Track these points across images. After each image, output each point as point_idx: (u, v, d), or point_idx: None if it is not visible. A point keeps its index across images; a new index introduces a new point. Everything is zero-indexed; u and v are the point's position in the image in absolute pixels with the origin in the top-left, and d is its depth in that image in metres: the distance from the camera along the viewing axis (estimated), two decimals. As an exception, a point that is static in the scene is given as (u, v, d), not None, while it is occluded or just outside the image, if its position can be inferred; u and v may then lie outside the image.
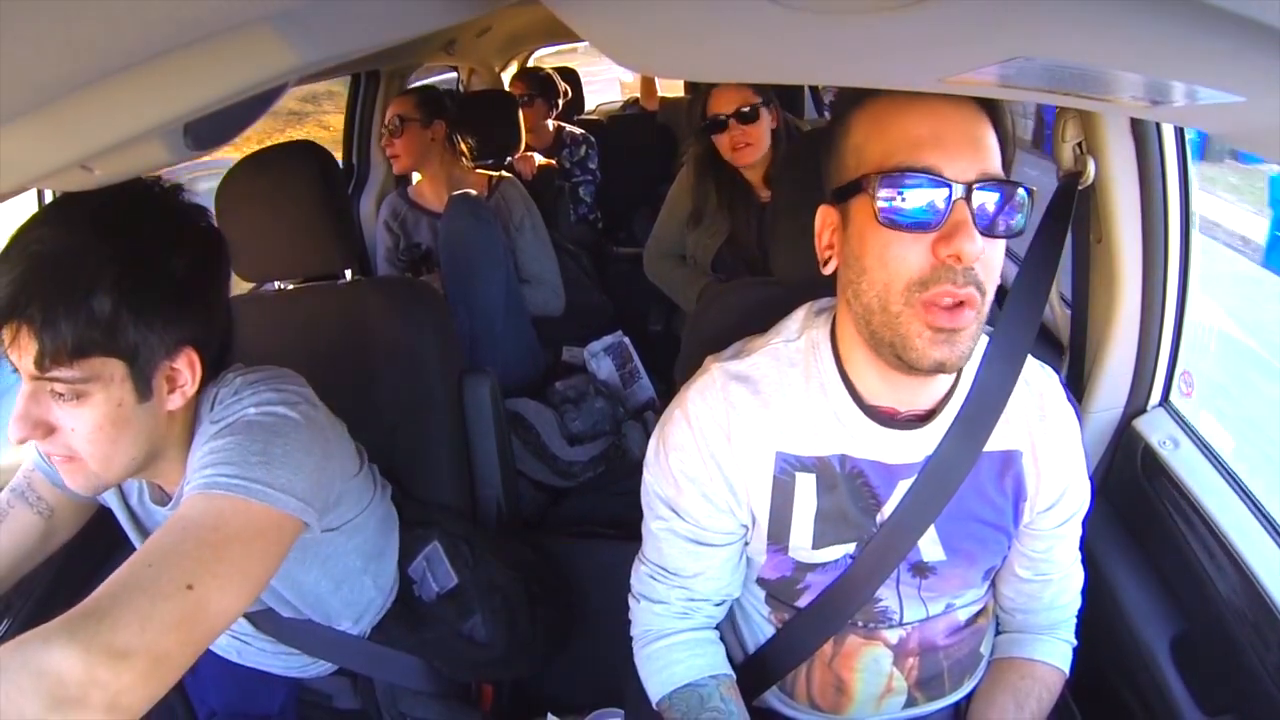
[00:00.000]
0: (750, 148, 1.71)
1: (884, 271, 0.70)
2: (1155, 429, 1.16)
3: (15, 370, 0.69)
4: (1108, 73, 0.46)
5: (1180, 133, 1.07)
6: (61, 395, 0.68)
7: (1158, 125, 1.04)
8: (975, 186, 0.67)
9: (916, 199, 0.67)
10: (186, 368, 0.74)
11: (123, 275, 0.66)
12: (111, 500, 0.90)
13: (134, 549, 0.88)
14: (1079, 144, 1.02)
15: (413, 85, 2.52)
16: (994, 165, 0.69)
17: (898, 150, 0.68)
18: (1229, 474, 1.07)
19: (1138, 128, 1.05)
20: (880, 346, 0.73)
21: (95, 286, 0.65)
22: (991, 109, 0.70)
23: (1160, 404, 1.19)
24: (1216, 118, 0.55)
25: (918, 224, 0.67)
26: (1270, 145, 0.59)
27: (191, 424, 0.80)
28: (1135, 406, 1.19)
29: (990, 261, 0.69)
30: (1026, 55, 0.43)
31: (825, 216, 0.78)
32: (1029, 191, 0.70)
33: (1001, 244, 0.71)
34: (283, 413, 0.77)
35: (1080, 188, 1.02)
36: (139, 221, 0.70)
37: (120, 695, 0.58)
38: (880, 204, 0.68)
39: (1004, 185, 0.68)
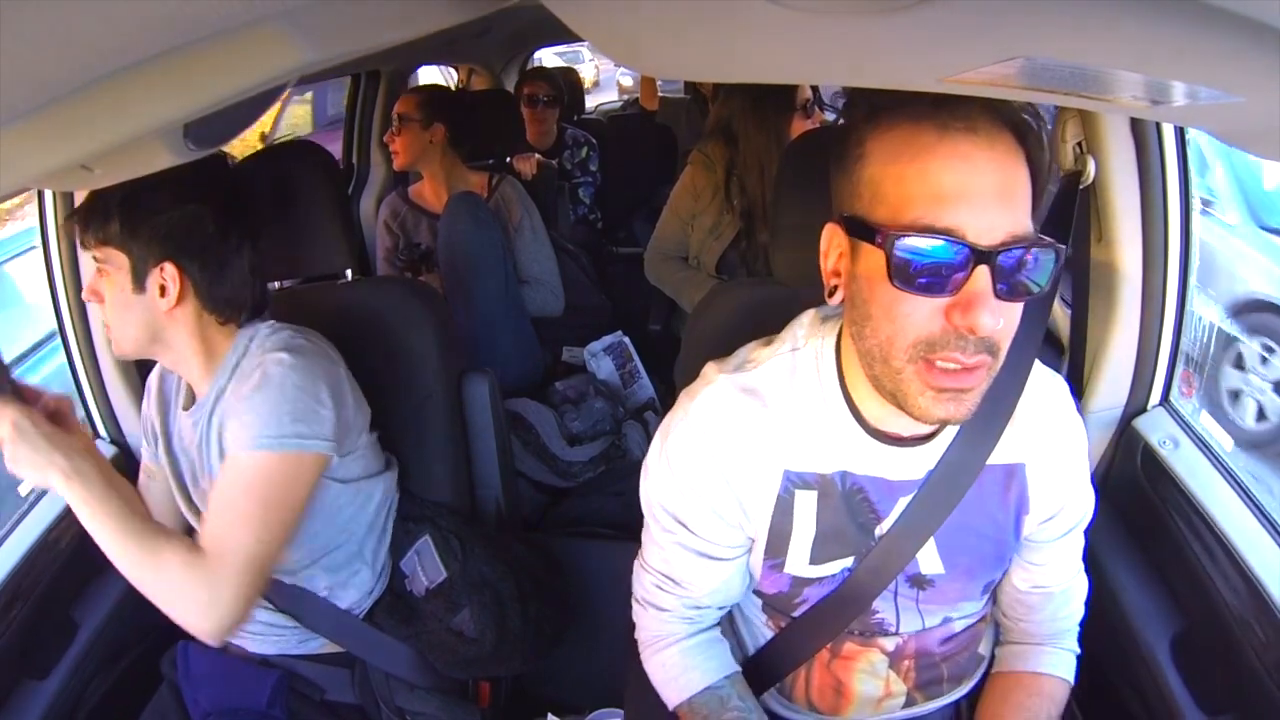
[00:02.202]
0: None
1: (889, 325, 0.65)
2: (1155, 429, 1.16)
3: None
4: (1108, 73, 0.45)
5: (1180, 133, 1.07)
6: (99, 270, 0.97)
7: (1158, 125, 1.04)
8: (1000, 251, 0.61)
9: (934, 262, 0.61)
10: (171, 280, 0.96)
11: (121, 203, 0.94)
12: (156, 432, 1.12)
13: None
14: (1079, 144, 1.02)
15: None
16: (1023, 222, 0.63)
17: (917, 201, 0.62)
18: (1229, 474, 1.07)
19: (1138, 128, 1.06)
20: (882, 391, 0.70)
21: (109, 208, 0.94)
22: (1024, 140, 0.64)
23: (1160, 404, 1.19)
24: (1216, 118, 0.55)
25: (932, 289, 0.62)
26: (1270, 145, 0.59)
27: (218, 343, 1.02)
28: (1135, 406, 1.19)
29: (1008, 323, 0.65)
30: (1026, 55, 0.43)
31: (833, 237, 0.71)
32: (1058, 252, 0.64)
33: (1020, 304, 0.65)
34: (304, 365, 0.99)
35: (1080, 188, 1.02)
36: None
37: (221, 621, 0.93)
38: (894, 263, 0.62)
39: (1032, 248, 0.62)
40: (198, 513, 1.08)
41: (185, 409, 1.07)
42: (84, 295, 1.02)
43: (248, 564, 0.93)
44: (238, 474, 0.95)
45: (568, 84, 3.46)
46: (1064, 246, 0.65)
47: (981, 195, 0.62)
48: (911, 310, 0.64)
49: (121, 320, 0.98)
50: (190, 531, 1.11)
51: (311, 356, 1.00)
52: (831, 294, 0.72)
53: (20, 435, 0.87)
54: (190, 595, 0.91)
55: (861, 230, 0.67)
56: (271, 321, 1.05)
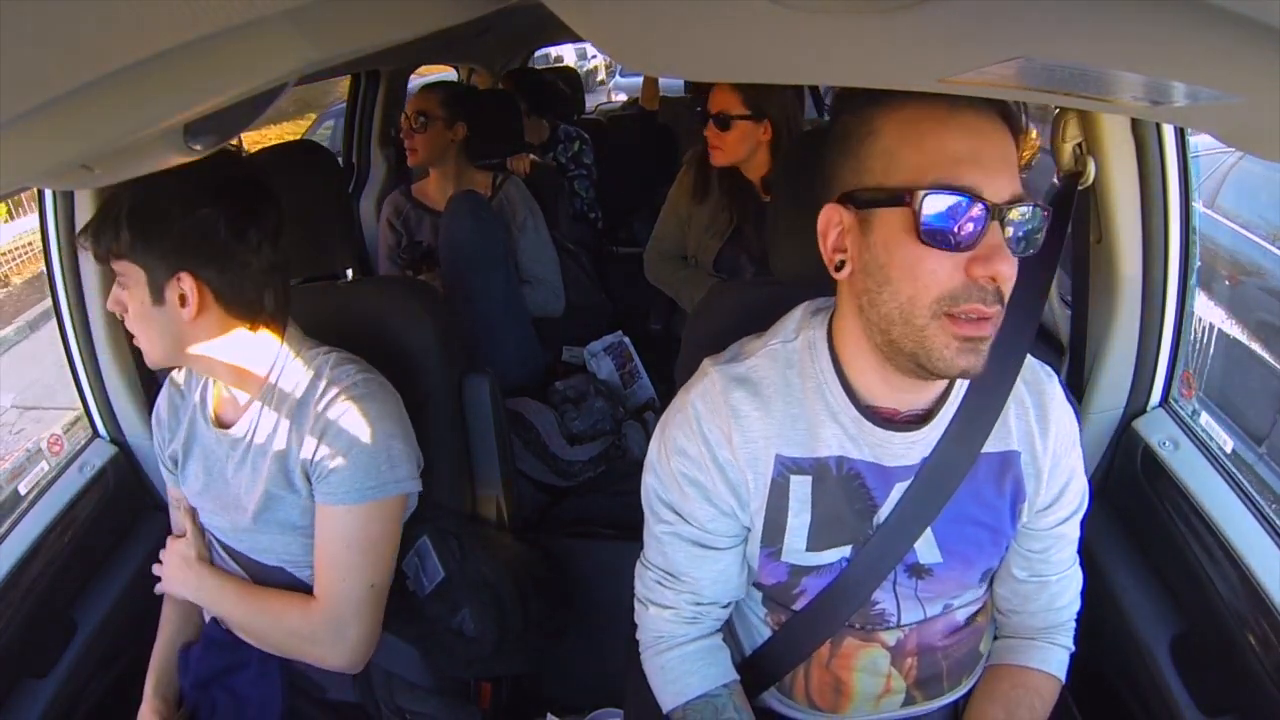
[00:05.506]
0: (719, 152, 1.73)
1: (912, 285, 0.69)
2: (1155, 429, 1.16)
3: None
4: (1108, 73, 0.45)
5: (1180, 133, 1.07)
6: (119, 283, 0.95)
7: (1158, 125, 1.04)
8: (1010, 207, 0.67)
9: (957, 218, 0.66)
10: (190, 290, 0.93)
11: (130, 215, 0.91)
12: (179, 457, 1.11)
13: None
14: (1079, 144, 1.02)
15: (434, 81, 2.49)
16: (1020, 184, 0.70)
17: (937, 165, 0.67)
18: (1229, 475, 1.07)
19: (1138, 128, 1.06)
20: (897, 355, 0.72)
21: (119, 221, 0.92)
22: (1010, 119, 0.70)
23: (1160, 404, 1.19)
24: (1216, 118, 0.55)
25: (957, 243, 0.67)
26: (1270, 146, 0.59)
27: (253, 350, 1.00)
28: (1135, 407, 1.19)
29: (1014, 276, 0.70)
30: (1026, 55, 0.43)
31: (833, 216, 0.75)
32: (1045, 210, 0.71)
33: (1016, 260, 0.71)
34: (389, 409, 1.01)
35: (1080, 188, 1.02)
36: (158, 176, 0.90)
37: (353, 656, 1.02)
38: (924, 220, 0.67)
39: (1031, 206, 0.69)
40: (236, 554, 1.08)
41: (221, 427, 1.05)
42: (109, 305, 0.98)
43: (363, 604, 1.00)
44: (340, 527, 0.99)
45: (568, 82, 3.46)
46: (1049, 209, 0.72)
47: (990, 159, 0.68)
48: (935, 267, 0.68)
49: (146, 333, 0.96)
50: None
51: (389, 394, 1.02)
52: (839, 269, 0.75)
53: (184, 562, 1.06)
54: (317, 642, 1.01)
55: (877, 198, 0.70)
56: (324, 349, 1.04)
